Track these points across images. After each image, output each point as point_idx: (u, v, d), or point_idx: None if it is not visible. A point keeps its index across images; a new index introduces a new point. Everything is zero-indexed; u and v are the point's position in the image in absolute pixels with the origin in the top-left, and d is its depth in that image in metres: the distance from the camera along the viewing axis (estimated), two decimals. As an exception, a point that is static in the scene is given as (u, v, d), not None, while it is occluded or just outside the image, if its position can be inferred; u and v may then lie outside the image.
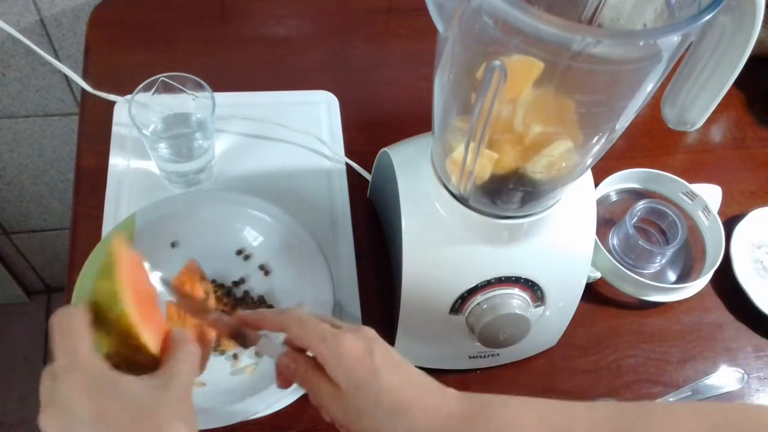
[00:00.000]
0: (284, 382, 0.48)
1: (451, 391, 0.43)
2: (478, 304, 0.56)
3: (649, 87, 0.44)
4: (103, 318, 0.39)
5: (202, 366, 0.47)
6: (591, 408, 0.41)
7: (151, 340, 0.39)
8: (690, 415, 0.39)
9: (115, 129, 0.74)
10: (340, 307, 0.64)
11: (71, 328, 0.37)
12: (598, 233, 0.64)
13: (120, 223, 0.64)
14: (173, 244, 0.65)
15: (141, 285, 0.41)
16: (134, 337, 0.38)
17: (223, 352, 0.60)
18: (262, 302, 0.63)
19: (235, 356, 0.60)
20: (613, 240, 0.73)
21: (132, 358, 0.39)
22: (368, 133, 0.78)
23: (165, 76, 0.65)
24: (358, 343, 0.42)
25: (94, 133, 0.74)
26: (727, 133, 0.87)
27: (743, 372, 0.68)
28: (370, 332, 0.44)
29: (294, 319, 0.45)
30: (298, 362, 0.45)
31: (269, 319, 0.46)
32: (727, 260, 0.72)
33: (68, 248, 0.67)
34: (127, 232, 0.63)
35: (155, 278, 0.45)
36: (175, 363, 0.38)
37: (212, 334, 0.49)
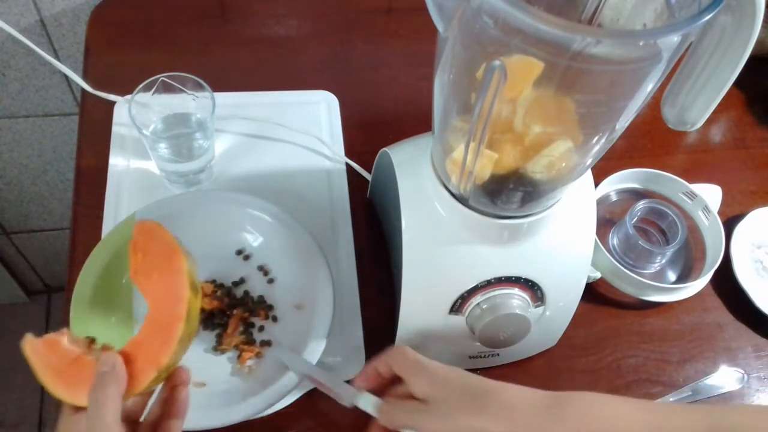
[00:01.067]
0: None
1: None
2: (478, 304, 0.56)
3: (649, 87, 0.44)
4: None
5: (179, 352, 0.46)
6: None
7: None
8: None
9: (115, 129, 0.74)
10: (340, 307, 0.64)
11: None
12: (598, 233, 0.64)
13: (120, 223, 0.64)
14: (173, 244, 0.65)
15: (61, 359, 0.44)
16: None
17: (223, 352, 0.60)
18: (262, 302, 0.63)
19: (239, 356, 0.60)
20: (613, 240, 0.73)
21: None
22: (368, 133, 0.78)
23: (165, 76, 0.65)
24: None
25: (94, 133, 0.74)
26: (727, 133, 0.87)
27: (743, 372, 0.68)
28: None
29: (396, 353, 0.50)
30: (397, 402, 0.49)
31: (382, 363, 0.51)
32: (727, 260, 0.72)
33: (68, 248, 0.67)
34: (128, 231, 0.63)
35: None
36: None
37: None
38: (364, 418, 0.62)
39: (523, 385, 0.45)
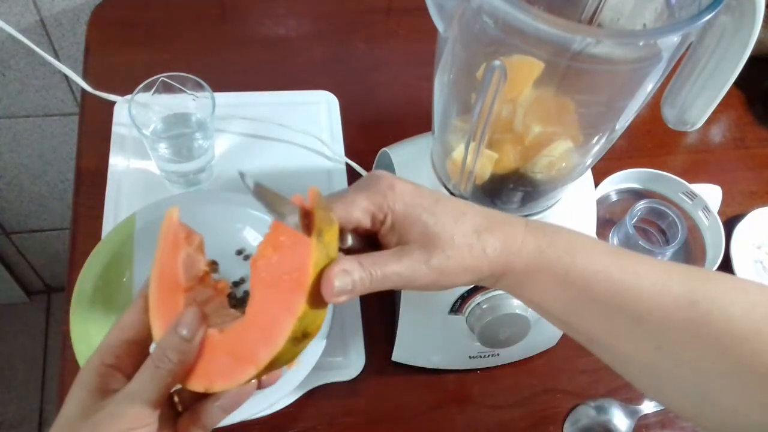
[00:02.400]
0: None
1: None
2: (478, 304, 0.56)
3: (649, 87, 0.44)
4: None
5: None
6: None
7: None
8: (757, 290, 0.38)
9: (115, 129, 0.74)
10: (340, 308, 0.64)
11: None
12: (598, 233, 0.64)
13: (120, 223, 0.64)
14: (173, 244, 0.65)
15: (171, 273, 0.38)
16: None
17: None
18: (262, 302, 0.63)
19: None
20: (613, 240, 0.73)
21: None
22: (368, 133, 0.78)
23: (165, 76, 0.65)
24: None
25: (94, 133, 0.74)
26: (727, 133, 0.87)
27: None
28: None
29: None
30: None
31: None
32: (727, 260, 0.72)
33: (68, 248, 0.67)
34: (128, 231, 0.63)
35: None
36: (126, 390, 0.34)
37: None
38: (365, 419, 0.62)
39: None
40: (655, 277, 0.37)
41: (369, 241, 0.41)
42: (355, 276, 0.36)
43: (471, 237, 0.38)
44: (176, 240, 0.38)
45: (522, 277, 0.39)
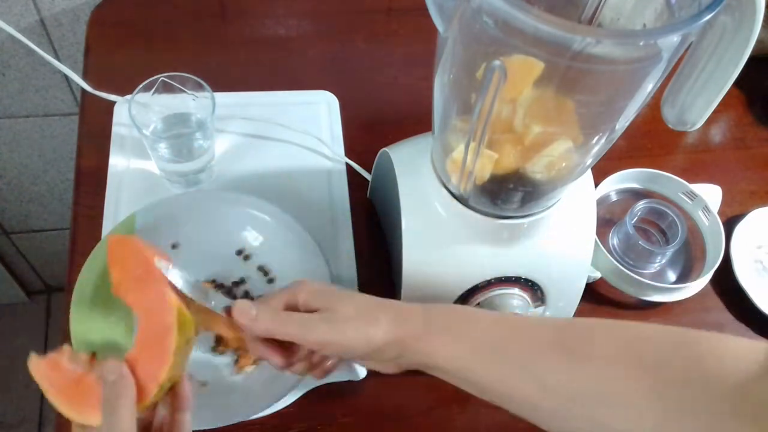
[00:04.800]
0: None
1: None
2: (478, 304, 0.56)
3: (649, 87, 0.44)
4: None
5: (179, 362, 0.44)
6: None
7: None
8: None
9: (115, 129, 0.74)
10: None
11: None
12: (598, 233, 0.64)
13: (120, 223, 0.64)
14: (173, 246, 0.65)
15: (64, 378, 0.43)
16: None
17: (222, 353, 0.60)
18: (262, 302, 0.63)
19: (236, 361, 0.60)
20: (613, 240, 0.73)
21: None
22: (368, 133, 0.78)
23: (165, 76, 0.65)
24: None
25: (94, 133, 0.74)
26: (727, 133, 0.87)
27: (743, 372, 0.68)
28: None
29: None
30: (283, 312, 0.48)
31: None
32: (727, 260, 0.72)
33: (68, 248, 0.67)
34: (128, 231, 0.63)
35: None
36: None
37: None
38: (365, 419, 0.62)
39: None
40: (516, 370, 0.43)
41: None
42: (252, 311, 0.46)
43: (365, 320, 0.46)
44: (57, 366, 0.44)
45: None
